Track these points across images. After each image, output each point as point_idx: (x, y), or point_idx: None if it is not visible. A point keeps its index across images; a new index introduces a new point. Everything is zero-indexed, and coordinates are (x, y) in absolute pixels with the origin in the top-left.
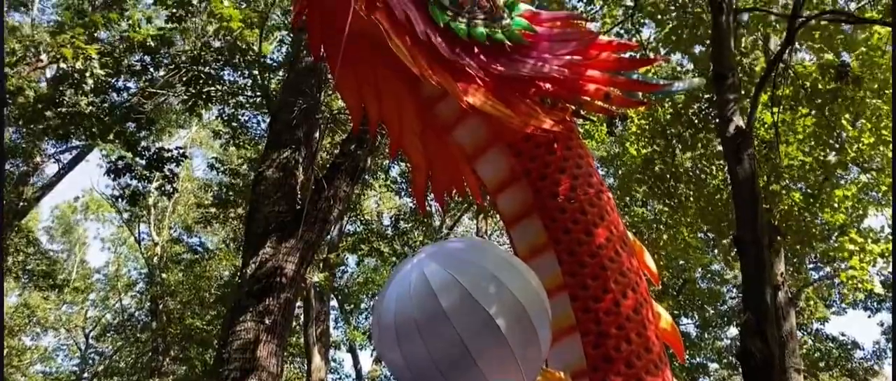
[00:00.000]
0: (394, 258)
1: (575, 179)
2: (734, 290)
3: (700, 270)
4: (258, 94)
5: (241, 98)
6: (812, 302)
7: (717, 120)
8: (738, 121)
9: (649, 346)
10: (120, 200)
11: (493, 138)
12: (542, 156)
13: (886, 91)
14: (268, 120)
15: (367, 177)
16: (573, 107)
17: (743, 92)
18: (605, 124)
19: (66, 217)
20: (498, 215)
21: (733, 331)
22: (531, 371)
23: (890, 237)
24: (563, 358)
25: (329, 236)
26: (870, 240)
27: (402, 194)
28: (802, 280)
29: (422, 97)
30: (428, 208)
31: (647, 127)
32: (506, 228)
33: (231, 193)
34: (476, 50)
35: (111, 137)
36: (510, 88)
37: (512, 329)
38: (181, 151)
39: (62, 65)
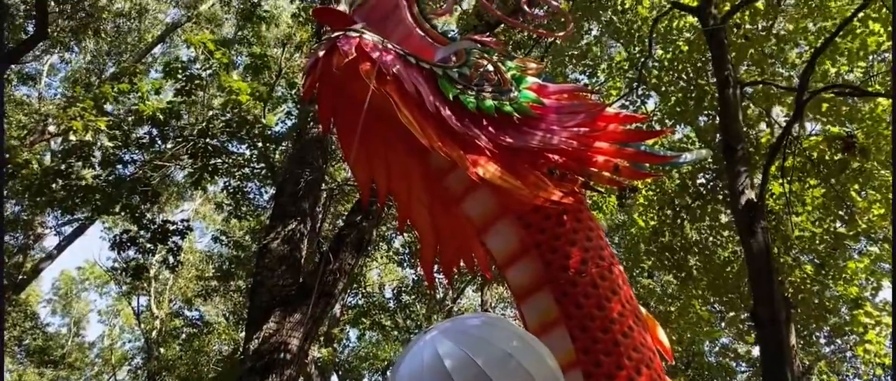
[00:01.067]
0: (396, 332)
1: (586, 251)
2: (744, 365)
3: (708, 343)
4: (263, 165)
5: (246, 170)
6: (825, 376)
7: (726, 191)
8: (750, 194)
9: None
10: (123, 273)
11: (503, 211)
12: (552, 228)
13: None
14: (271, 191)
15: (369, 248)
16: (582, 179)
17: (751, 163)
18: (614, 196)
19: (68, 288)
20: (506, 288)
21: None
22: None
23: None
24: None
25: (332, 310)
26: (885, 313)
27: (405, 265)
28: (814, 354)
29: (431, 169)
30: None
31: (654, 198)
32: (516, 302)
33: (234, 265)
34: (485, 122)
35: (116, 209)
36: (519, 160)
37: None
38: (186, 223)
39: (72, 137)
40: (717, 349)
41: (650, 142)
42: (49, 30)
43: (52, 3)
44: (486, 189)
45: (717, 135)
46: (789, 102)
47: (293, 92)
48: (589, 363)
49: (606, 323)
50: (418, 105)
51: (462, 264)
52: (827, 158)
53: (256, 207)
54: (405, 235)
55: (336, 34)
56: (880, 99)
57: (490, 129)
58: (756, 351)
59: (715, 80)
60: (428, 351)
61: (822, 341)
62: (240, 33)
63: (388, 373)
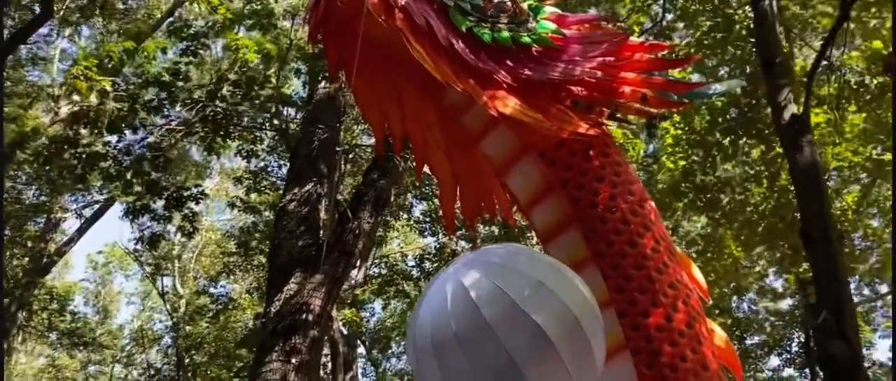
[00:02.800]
0: None
1: (614, 187)
2: (773, 319)
3: (736, 298)
4: (277, 128)
5: (259, 134)
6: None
7: (758, 126)
8: (793, 108)
9: (706, 363)
10: (140, 242)
11: (525, 148)
12: (579, 164)
13: None
14: (287, 163)
15: (389, 218)
16: (608, 110)
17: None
18: (644, 130)
19: (99, 272)
20: (532, 233)
21: (774, 361)
22: None
23: None
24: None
25: (353, 279)
26: None
27: (426, 233)
28: None
29: (446, 109)
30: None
31: (683, 137)
32: (542, 244)
33: (254, 234)
34: (502, 55)
35: (129, 176)
36: (541, 94)
37: (563, 340)
38: (201, 189)
39: (75, 97)
40: (748, 300)
41: (677, 71)
42: (55, 8)
43: None
44: (506, 126)
45: (746, 68)
46: (825, 22)
47: (301, 54)
48: (623, 302)
49: (639, 260)
50: (430, 39)
51: (483, 207)
52: (866, 82)
53: (275, 180)
54: (426, 202)
55: None
56: None
57: (508, 62)
58: (784, 304)
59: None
60: (452, 285)
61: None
62: (248, 7)
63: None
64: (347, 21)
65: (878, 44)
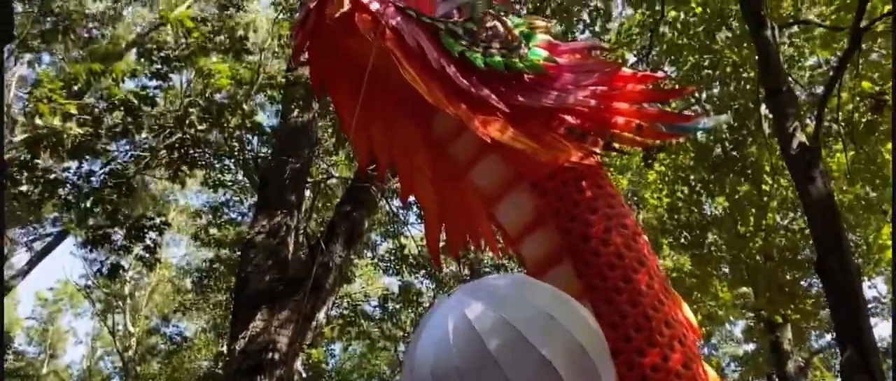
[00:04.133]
0: (384, 341)
1: (608, 219)
2: (734, 364)
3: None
4: (244, 159)
5: (227, 163)
6: (819, 372)
7: (740, 164)
8: (801, 136)
9: None
10: (98, 274)
11: (515, 178)
12: (571, 194)
13: None
14: (252, 200)
15: (352, 256)
16: (603, 140)
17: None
18: (635, 164)
19: (47, 309)
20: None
21: None
22: None
23: None
24: None
25: (317, 318)
26: None
27: (390, 272)
28: (806, 350)
29: (434, 137)
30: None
31: (668, 175)
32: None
33: (216, 268)
34: (494, 81)
35: (89, 205)
36: (533, 121)
37: (571, 373)
38: (163, 219)
39: (38, 120)
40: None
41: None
42: (14, 33)
43: (19, 7)
44: (497, 155)
45: (733, 103)
46: (835, 44)
47: (274, 81)
48: (618, 340)
49: (635, 296)
50: (422, 62)
51: (469, 240)
52: (855, 119)
53: (237, 214)
54: (390, 241)
55: None
56: None
57: (500, 88)
58: (742, 350)
59: (735, 31)
60: (454, 316)
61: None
62: (218, 39)
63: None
64: (335, 38)
65: (866, 84)
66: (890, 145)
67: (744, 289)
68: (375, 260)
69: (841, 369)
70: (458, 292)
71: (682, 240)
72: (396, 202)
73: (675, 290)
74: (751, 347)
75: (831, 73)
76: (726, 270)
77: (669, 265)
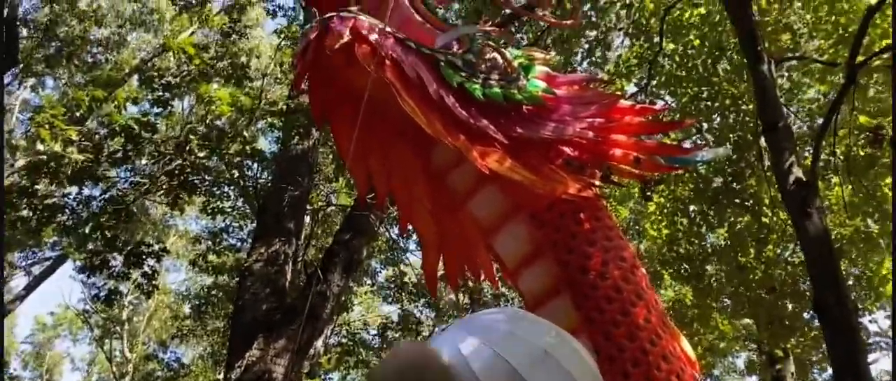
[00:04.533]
0: None
1: (606, 252)
2: None
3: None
4: (243, 186)
5: (226, 190)
6: None
7: (741, 196)
8: (798, 172)
9: None
10: (95, 300)
11: (514, 209)
12: (569, 227)
13: None
14: (251, 226)
15: (352, 284)
16: (600, 172)
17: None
18: (635, 196)
19: (43, 334)
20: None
21: None
22: None
23: None
24: None
25: (315, 347)
26: None
27: (390, 300)
28: None
29: (433, 167)
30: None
31: (668, 205)
32: (529, 310)
33: (214, 294)
34: (493, 112)
35: (87, 230)
36: (532, 152)
37: None
38: (162, 246)
39: (39, 146)
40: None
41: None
42: (19, 57)
43: (24, 32)
44: (495, 186)
45: (731, 135)
46: (831, 78)
47: (273, 110)
48: (616, 374)
49: (632, 330)
50: (421, 93)
51: (467, 271)
52: (853, 153)
53: (236, 241)
54: (390, 269)
55: (329, 15)
56: None
57: (499, 119)
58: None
59: (733, 63)
60: (448, 350)
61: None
62: (220, 65)
63: None
64: (336, 69)
65: (864, 118)
66: (889, 179)
67: (746, 321)
68: (375, 288)
69: None
70: (453, 326)
71: (682, 271)
72: (396, 230)
73: (676, 322)
74: (754, 380)
75: (829, 106)
76: (728, 301)
77: (671, 296)
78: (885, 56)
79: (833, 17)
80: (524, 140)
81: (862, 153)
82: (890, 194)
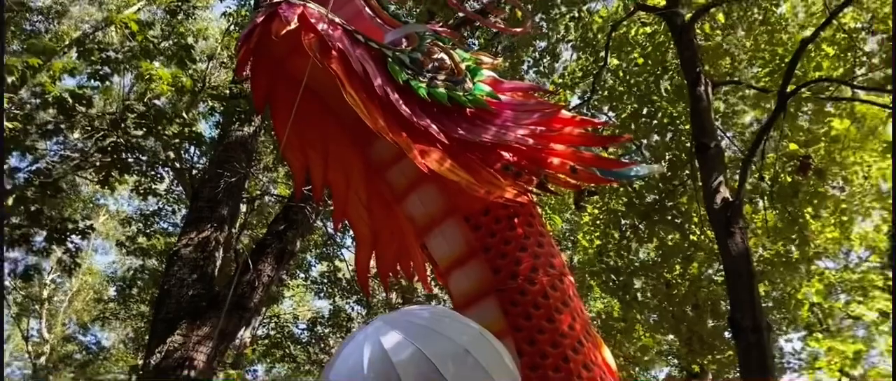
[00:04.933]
0: (309, 366)
1: (537, 258)
2: None
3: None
4: (182, 165)
5: (160, 172)
6: None
7: (673, 212)
8: (725, 192)
9: None
10: (11, 276)
11: (449, 210)
12: (503, 232)
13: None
14: (184, 211)
15: (285, 276)
16: (537, 179)
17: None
18: (570, 204)
19: None
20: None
21: None
22: None
23: None
24: None
25: (240, 338)
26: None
27: (322, 295)
28: None
29: (371, 162)
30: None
31: (601, 217)
32: (458, 311)
33: (137, 280)
34: (436, 111)
35: (10, 202)
36: (471, 155)
37: None
38: (89, 223)
39: None
40: None
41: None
42: None
43: None
44: (433, 185)
45: (667, 153)
46: (765, 104)
47: (218, 91)
48: (537, 380)
49: (556, 337)
50: (365, 87)
51: (400, 268)
52: (781, 179)
53: (167, 225)
54: (324, 263)
55: (278, 1)
56: (835, 123)
57: (442, 119)
58: None
59: (674, 83)
60: (370, 344)
61: None
62: (164, 44)
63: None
64: (279, 57)
65: (793, 146)
66: (810, 209)
67: (670, 337)
68: (308, 282)
69: None
70: (377, 321)
71: (611, 283)
72: (332, 224)
73: (603, 333)
74: None
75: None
76: (655, 317)
77: (599, 307)
78: (814, 86)
79: (771, 47)
80: (465, 142)
81: (789, 180)
82: (812, 220)
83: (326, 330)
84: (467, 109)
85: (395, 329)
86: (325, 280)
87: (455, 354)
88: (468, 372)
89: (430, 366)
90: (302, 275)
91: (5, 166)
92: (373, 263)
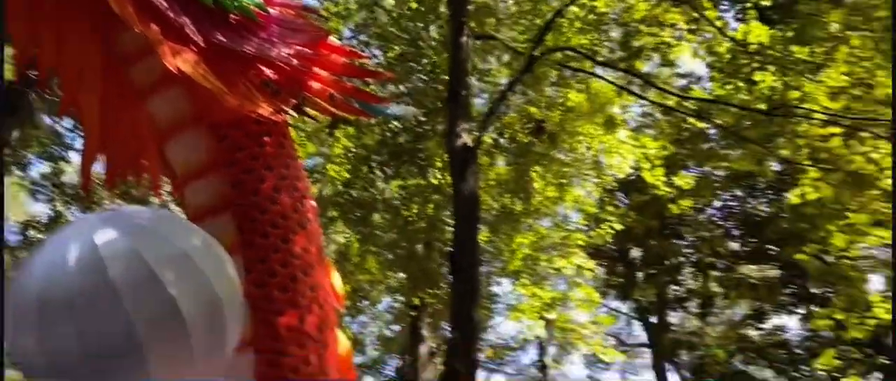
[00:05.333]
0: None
1: (282, 179)
2: (377, 343)
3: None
4: None
5: None
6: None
7: (422, 155)
8: (466, 139)
9: (326, 370)
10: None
11: (196, 117)
12: (251, 147)
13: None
14: None
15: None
16: (295, 101)
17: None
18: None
19: None
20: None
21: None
22: (205, 375)
23: None
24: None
25: None
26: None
27: (40, 198)
28: (439, 337)
29: (114, 52)
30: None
31: (352, 150)
32: (190, 222)
33: None
34: (196, 11)
35: None
36: (229, 64)
37: (197, 320)
38: None
39: None
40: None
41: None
42: None
43: None
44: (181, 88)
45: (424, 99)
46: (516, 65)
47: None
48: (260, 297)
49: (288, 257)
50: None
51: (130, 170)
52: (518, 138)
53: None
54: (44, 163)
55: None
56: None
57: (202, 20)
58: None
59: (441, 33)
60: (80, 239)
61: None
62: None
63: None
64: None
65: (534, 109)
66: (538, 168)
67: (401, 275)
68: (26, 182)
69: (446, 351)
70: (92, 216)
71: (352, 215)
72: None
73: (340, 266)
74: (398, 328)
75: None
76: (390, 255)
77: (342, 242)
78: (560, 54)
79: (532, 15)
80: (225, 49)
81: (525, 140)
82: (536, 178)
83: (41, 237)
84: (231, 16)
85: (111, 227)
86: (47, 183)
87: (174, 257)
88: (186, 277)
89: (145, 266)
90: (19, 173)
91: None
92: (101, 166)
